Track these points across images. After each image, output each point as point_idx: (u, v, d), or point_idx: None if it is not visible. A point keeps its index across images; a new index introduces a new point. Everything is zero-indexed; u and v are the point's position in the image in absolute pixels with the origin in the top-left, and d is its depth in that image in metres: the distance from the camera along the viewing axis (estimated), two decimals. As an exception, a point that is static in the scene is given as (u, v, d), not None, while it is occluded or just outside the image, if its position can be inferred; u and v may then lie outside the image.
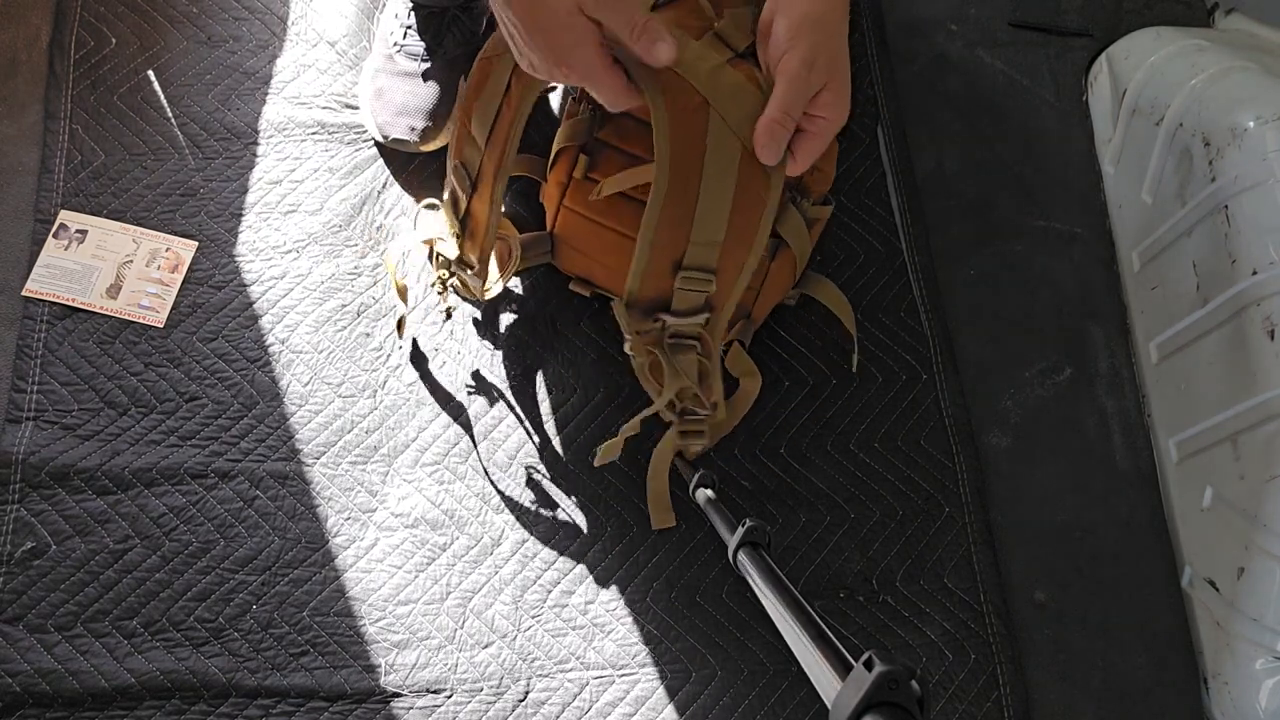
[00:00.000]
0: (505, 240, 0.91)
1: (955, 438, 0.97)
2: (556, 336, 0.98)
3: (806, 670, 0.47)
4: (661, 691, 0.87)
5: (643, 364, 0.82)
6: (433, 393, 0.95)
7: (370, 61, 1.03)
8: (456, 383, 0.96)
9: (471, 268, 0.87)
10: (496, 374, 0.96)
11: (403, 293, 0.94)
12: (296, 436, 0.93)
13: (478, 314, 0.98)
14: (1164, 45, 1.03)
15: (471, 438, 0.94)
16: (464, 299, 0.96)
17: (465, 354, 0.97)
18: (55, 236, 0.96)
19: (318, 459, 0.92)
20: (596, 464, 0.88)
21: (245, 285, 0.97)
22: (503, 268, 0.90)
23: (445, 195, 0.88)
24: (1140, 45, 1.05)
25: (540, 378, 0.96)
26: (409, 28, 1.00)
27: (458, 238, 0.87)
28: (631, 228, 0.77)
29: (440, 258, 0.89)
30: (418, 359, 0.96)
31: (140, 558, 0.88)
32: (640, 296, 0.76)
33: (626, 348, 0.80)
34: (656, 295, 0.76)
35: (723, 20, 0.74)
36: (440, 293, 0.91)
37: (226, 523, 0.89)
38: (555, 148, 0.87)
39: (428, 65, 0.99)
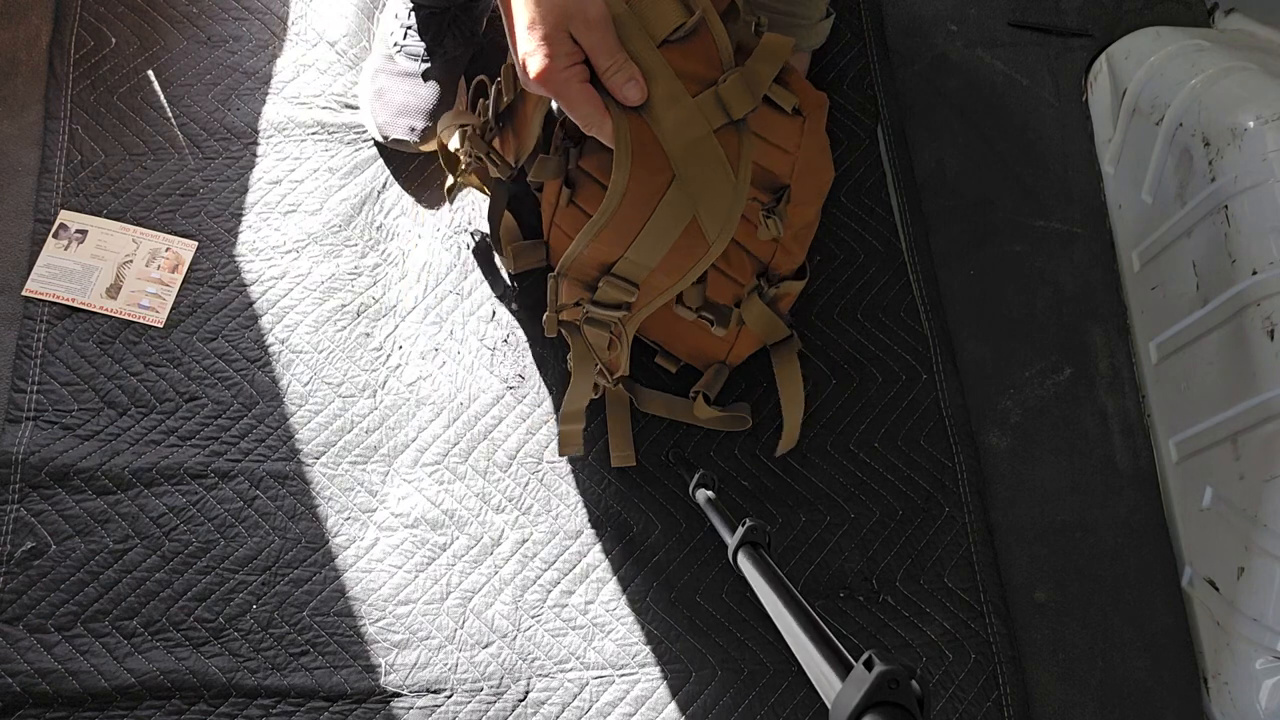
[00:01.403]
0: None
1: (955, 438, 0.97)
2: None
3: (806, 670, 0.47)
4: (661, 691, 0.87)
5: (567, 337, 0.85)
6: (433, 393, 0.95)
7: (370, 61, 1.03)
8: (457, 382, 0.96)
9: (498, 162, 0.86)
10: (497, 373, 0.96)
11: (451, 163, 0.93)
12: (296, 436, 0.93)
13: (478, 312, 0.98)
14: (1164, 45, 1.03)
15: (471, 438, 0.94)
16: (479, 185, 0.94)
17: (465, 354, 0.97)
18: (55, 236, 0.96)
19: (318, 459, 0.92)
20: (560, 454, 0.92)
21: (245, 285, 0.97)
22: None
23: (489, 100, 0.86)
24: (1140, 45, 1.05)
25: (540, 377, 0.97)
26: (409, 28, 1.00)
27: (490, 130, 0.85)
28: None
29: (473, 132, 0.87)
30: (419, 358, 0.97)
31: (140, 558, 0.88)
32: (570, 271, 0.77)
33: (544, 319, 0.82)
34: (585, 279, 0.78)
35: (734, 76, 0.69)
36: (464, 167, 0.91)
37: (226, 523, 0.89)
38: (534, 178, 0.87)
39: (428, 65, 0.99)
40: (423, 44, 0.99)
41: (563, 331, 0.83)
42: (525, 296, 0.99)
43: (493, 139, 0.86)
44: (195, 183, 1.00)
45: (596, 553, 0.91)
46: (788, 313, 0.91)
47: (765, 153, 0.77)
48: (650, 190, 0.70)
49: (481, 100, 0.87)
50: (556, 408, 0.95)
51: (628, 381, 0.93)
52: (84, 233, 0.97)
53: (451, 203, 0.97)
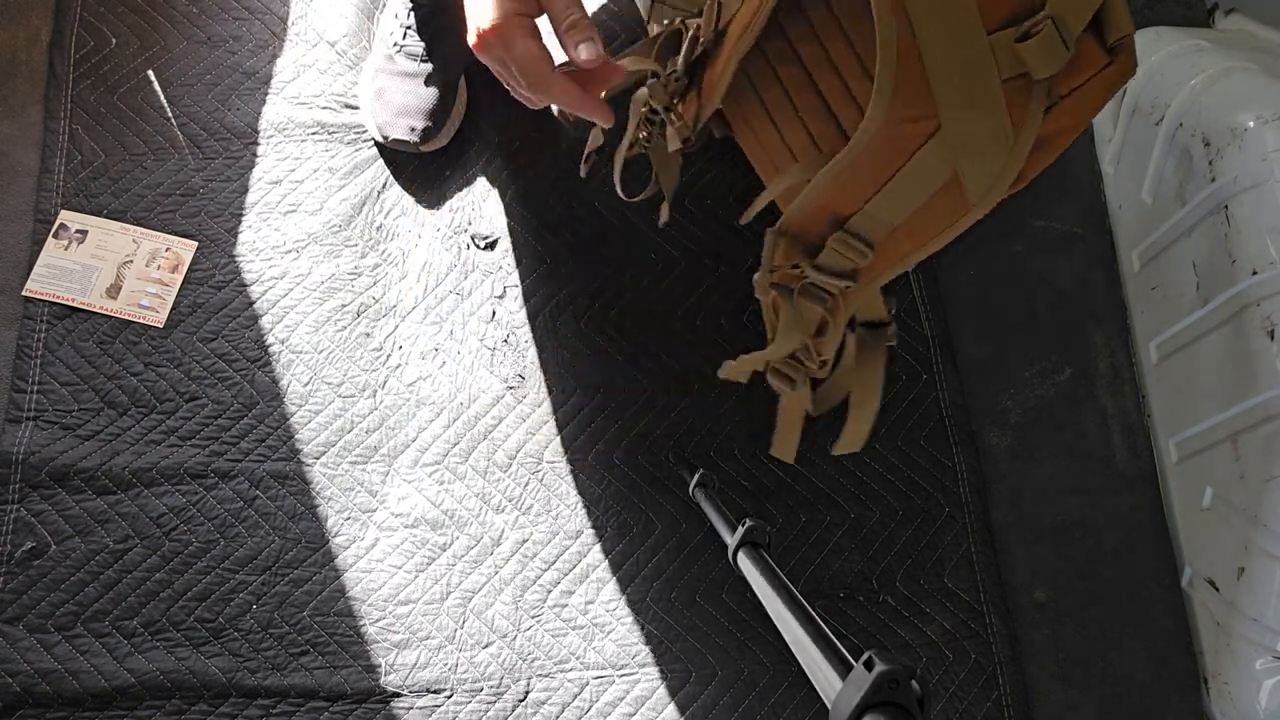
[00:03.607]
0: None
1: (955, 438, 0.97)
2: (556, 336, 0.98)
3: (806, 670, 0.47)
4: (661, 691, 0.87)
5: (767, 304, 0.73)
6: (433, 393, 0.95)
7: (370, 61, 1.03)
8: (457, 382, 0.96)
9: (676, 123, 0.74)
10: (497, 373, 0.96)
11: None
12: (296, 436, 0.93)
13: (478, 312, 0.98)
14: (1164, 45, 1.03)
15: (471, 438, 0.94)
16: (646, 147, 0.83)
17: (465, 354, 0.97)
18: (55, 236, 0.96)
19: (318, 459, 0.92)
20: (721, 375, 0.79)
21: (245, 285, 0.97)
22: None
23: (678, 28, 0.72)
24: (1140, 45, 1.05)
25: (540, 377, 0.97)
26: (409, 28, 0.99)
27: (677, 82, 0.72)
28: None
29: (659, 84, 0.75)
30: (418, 358, 0.97)
31: (140, 558, 0.88)
32: (792, 230, 0.67)
33: (755, 279, 0.71)
34: (808, 237, 0.67)
35: (1047, 25, 0.52)
36: (646, 129, 0.80)
37: (226, 523, 0.89)
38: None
39: (428, 65, 0.99)
40: (422, 44, 0.99)
41: (773, 299, 0.71)
42: (528, 296, 0.99)
43: (676, 95, 0.74)
44: (195, 183, 1.00)
45: (596, 553, 0.91)
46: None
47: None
48: (907, 137, 0.57)
49: (671, 56, 0.74)
50: (557, 408, 0.95)
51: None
52: (84, 233, 0.97)
53: (584, 168, 0.89)
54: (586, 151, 0.87)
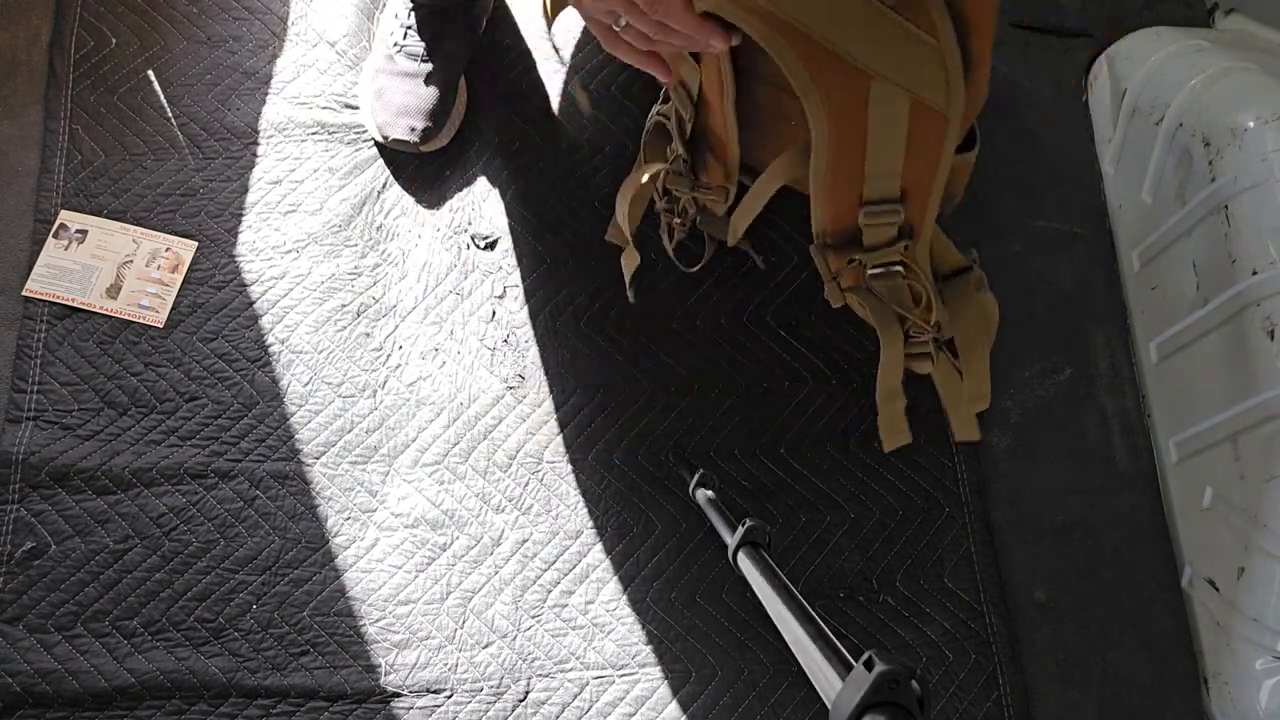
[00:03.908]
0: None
1: (955, 437, 0.97)
2: (556, 336, 0.98)
3: (806, 670, 0.47)
4: (661, 691, 0.87)
5: (855, 305, 0.76)
6: (433, 393, 0.95)
7: (370, 61, 1.03)
8: (457, 382, 0.96)
9: (708, 189, 0.78)
10: (497, 373, 0.96)
11: (627, 238, 0.86)
12: (296, 436, 0.93)
13: (478, 312, 0.98)
14: (1164, 45, 1.03)
15: (471, 438, 0.94)
16: (693, 225, 0.87)
17: (465, 354, 0.97)
18: (55, 236, 0.96)
19: (318, 459, 0.92)
20: (888, 449, 0.84)
21: (245, 285, 0.97)
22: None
23: (658, 120, 0.77)
24: (1140, 45, 1.05)
25: (540, 377, 0.97)
26: (409, 28, 1.00)
27: (686, 162, 0.77)
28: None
29: (671, 174, 0.80)
30: (418, 358, 0.97)
31: (140, 558, 0.88)
32: (826, 238, 0.70)
33: (825, 293, 0.74)
34: (846, 230, 0.70)
35: None
36: (672, 216, 0.83)
37: (226, 523, 0.89)
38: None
39: (428, 65, 0.99)
40: (423, 44, 0.99)
41: (859, 300, 0.74)
42: (528, 295, 0.99)
43: (696, 173, 0.78)
44: (195, 183, 1.00)
45: (596, 553, 0.91)
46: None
47: None
48: (850, 102, 0.61)
49: (666, 146, 0.79)
50: (557, 408, 0.95)
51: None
52: (84, 233, 0.97)
53: (631, 293, 0.95)
54: (628, 277, 0.93)
